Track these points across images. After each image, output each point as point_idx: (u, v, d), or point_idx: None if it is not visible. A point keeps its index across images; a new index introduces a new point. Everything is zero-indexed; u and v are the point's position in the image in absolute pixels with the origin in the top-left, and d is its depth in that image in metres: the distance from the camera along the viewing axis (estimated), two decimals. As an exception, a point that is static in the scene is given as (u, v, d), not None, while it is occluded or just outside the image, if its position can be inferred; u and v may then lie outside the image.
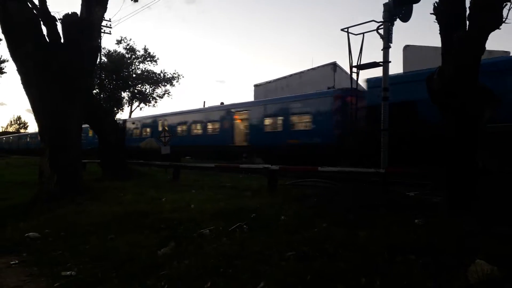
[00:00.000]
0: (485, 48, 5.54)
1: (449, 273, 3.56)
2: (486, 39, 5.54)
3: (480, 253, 3.74)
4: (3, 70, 42.91)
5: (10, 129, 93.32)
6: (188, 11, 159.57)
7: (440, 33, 5.91)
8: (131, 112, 55.10)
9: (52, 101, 10.07)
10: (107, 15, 21.33)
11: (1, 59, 42.22)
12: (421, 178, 13.37)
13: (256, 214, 6.47)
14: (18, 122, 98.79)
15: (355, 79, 12.06)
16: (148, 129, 33.42)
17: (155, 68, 70.30)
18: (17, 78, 10.70)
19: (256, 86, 41.52)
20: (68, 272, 5.00)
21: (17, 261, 5.80)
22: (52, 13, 10.68)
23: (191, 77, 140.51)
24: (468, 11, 5.61)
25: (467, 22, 5.60)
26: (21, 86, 10.31)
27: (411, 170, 11.80)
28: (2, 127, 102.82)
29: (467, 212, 5.16)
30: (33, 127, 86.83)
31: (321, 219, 5.88)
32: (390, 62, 10.73)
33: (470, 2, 5.55)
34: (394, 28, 10.63)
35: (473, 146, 5.56)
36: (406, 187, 10.80)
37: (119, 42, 50.67)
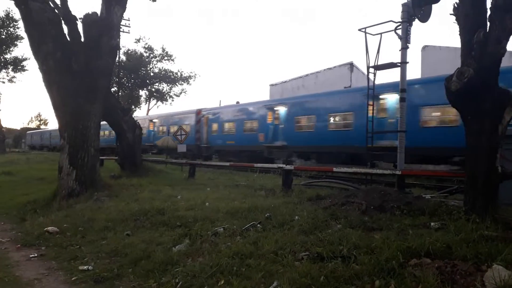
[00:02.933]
0: (506, 49, 5.43)
1: (465, 278, 3.52)
2: (508, 40, 5.43)
3: (498, 258, 3.68)
4: (24, 68, 43.93)
5: (31, 126, 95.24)
6: (205, 10, 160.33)
7: (459, 34, 5.81)
8: (148, 110, 55.82)
9: (72, 99, 10.28)
10: (125, 15, 21.40)
11: (23, 57, 43.25)
12: (437, 180, 13.22)
13: (270, 214, 6.48)
14: (39, 118, 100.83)
15: (372, 79, 11.95)
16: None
17: (172, 67, 71.03)
18: (38, 75, 10.88)
19: (272, 85, 41.52)
20: (85, 267, 5.12)
21: (36, 255, 5.96)
22: (72, 13, 10.89)
23: (205, 75, 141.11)
24: (489, 12, 5.50)
25: (488, 23, 5.50)
26: (42, 83, 10.55)
27: (427, 172, 11.66)
28: (23, 123, 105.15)
29: (485, 216, 5.07)
30: (53, 124, 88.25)
31: (335, 220, 5.87)
32: (408, 62, 10.59)
33: (491, 3, 5.44)
34: (412, 28, 10.49)
35: (493, 149, 5.45)
36: (422, 190, 10.69)
37: (137, 41, 51.41)
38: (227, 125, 26.53)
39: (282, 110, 22.18)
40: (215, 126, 27.59)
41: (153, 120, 36.90)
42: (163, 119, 35.08)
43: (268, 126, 22.70)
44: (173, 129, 30.66)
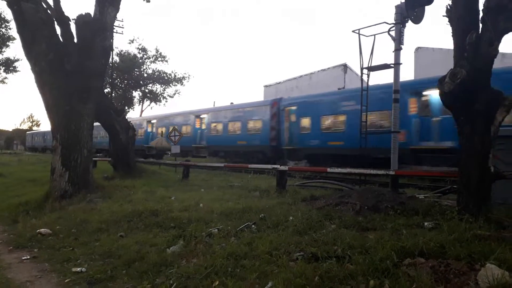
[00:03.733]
0: (498, 51, 5.48)
1: (459, 277, 3.54)
2: (500, 41, 5.48)
3: (491, 258, 3.71)
4: (16, 69, 43.57)
5: (24, 127, 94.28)
6: (199, 11, 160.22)
7: (452, 36, 5.85)
8: (142, 111, 55.63)
9: (64, 100, 10.21)
10: (119, 15, 21.00)
11: (15, 58, 42.92)
12: (431, 181, 13.30)
13: (265, 214, 6.48)
14: (31, 120, 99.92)
15: (366, 80, 12.01)
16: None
17: (166, 68, 70.83)
18: (30, 76, 10.77)
19: (266, 86, 41.61)
20: (79, 269, 5.07)
21: (28, 257, 5.91)
22: (65, 13, 10.82)
23: (199, 76, 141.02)
24: (481, 14, 5.55)
25: (480, 25, 5.55)
26: (35, 84, 10.46)
27: (421, 172, 11.73)
28: (15, 124, 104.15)
29: (478, 216, 5.11)
30: (45, 125, 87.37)
31: (329, 220, 5.88)
32: (401, 64, 10.66)
33: (484, 5, 5.49)
34: (405, 29, 10.57)
35: (485, 150, 5.49)
36: (416, 190, 10.74)
37: (131, 41, 51.28)
38: (330, 120, 19.53)
39: (435, 95, 13.81)
40: (305, 122, 20.80)
41: (201, 116, 29.57)
42: (218, 114, 27.94)
43: (411, 120, 15.97)
44: (235, 126, 25.71)
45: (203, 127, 29.04)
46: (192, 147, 28.46)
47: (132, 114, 54.21)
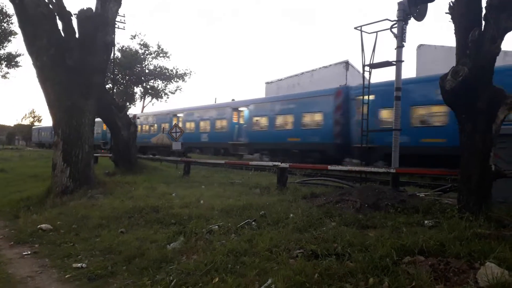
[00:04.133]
0: (500, 48, 5.45)
1: (458, 276, 3.54)
2: (502, 39, 5.45)
3: (491, 256, 3.71)
4: (18, 64, 43.61)
5: (25, 122, 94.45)
6: (201, 8, 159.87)
7: (455, 33, 5.83)
8: (143, 107, 55.64)
9: (66, 95, 10.20)
10: (121, 11, 20.62)
11: (16, 53, 42.94)
12: (432, 179, 13.28)
13: (265, 211, 6.49)
14: (33, 115, 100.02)
15: (368, 78, 11.98)
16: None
17: (168, 64, 70.66)
18: (31, 71, 10.78)
19: (267, 83, 41.53)
20: (79, 264, 5.09)
21: (29, 252, 5.93)
22: (67, 8, 10.79)
23: (200, 73, 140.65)
24: (484, 11, 5.52)
25: (483, 22, 5.52)
26: (36, 80, 10.46)
27: (421, 171, 11.71)
28: (16, 120, 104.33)
29: (478, 214, 5.10)
30: (46, 121, 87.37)
31: (330, 218, 5.88)
32: (403, 61, 10.63)
33: (487, 2, 5.46)
34: (407, 26, 10.53)
35: (487, 148, 5.48)
36: (416, 188, 10.74)
37: (133, 37, 51.13)
38: (424, 112, 15.80)
39: None
40: (387, 114, 16.75)
41: (240, 109, 26.58)
42: (262, 107, 24.42)
43: None
44: (284, 120, 22.22)
45: (242, 121, 26.21)
46: (228, 144, 26.05)
47: (134, 110, 54.24)
